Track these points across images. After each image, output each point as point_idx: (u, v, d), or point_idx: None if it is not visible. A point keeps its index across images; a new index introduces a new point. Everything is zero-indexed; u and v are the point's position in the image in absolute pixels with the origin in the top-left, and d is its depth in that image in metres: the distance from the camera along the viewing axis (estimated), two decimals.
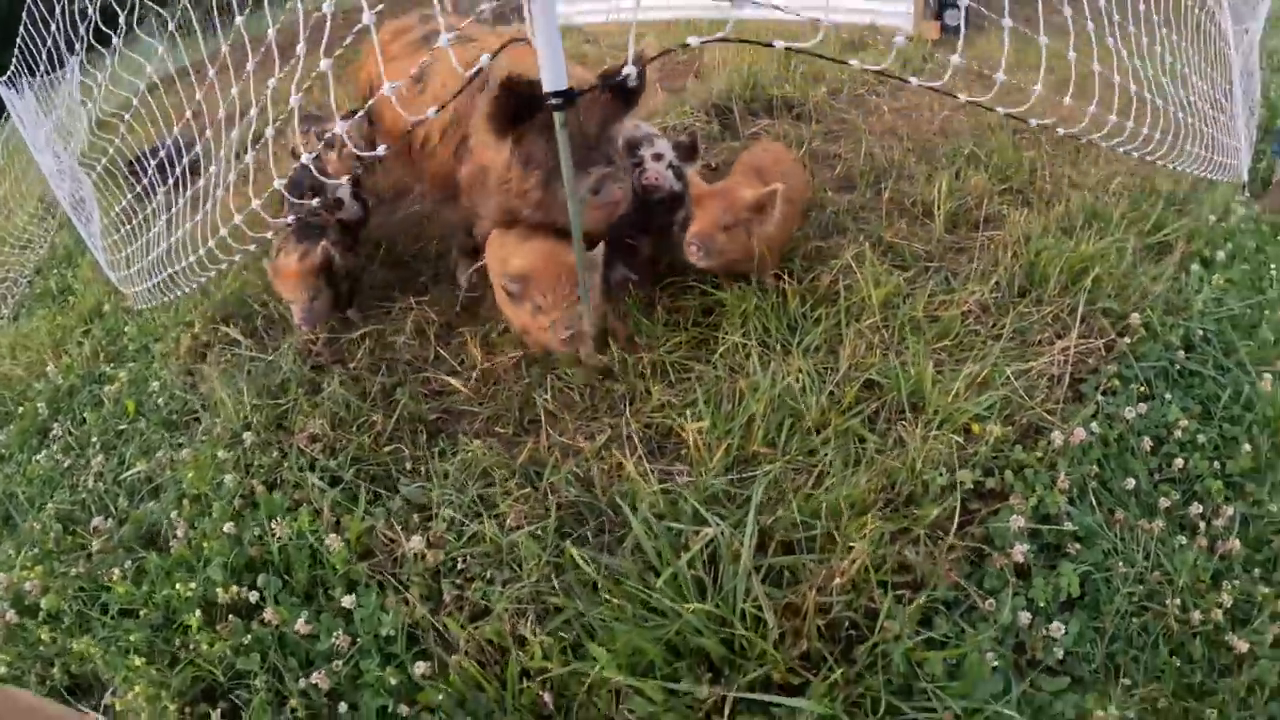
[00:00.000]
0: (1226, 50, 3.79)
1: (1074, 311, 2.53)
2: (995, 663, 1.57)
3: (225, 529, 1.93)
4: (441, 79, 2.45)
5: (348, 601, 1.74)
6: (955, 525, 1.86)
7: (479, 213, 2.58)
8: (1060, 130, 2.23)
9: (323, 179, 2.53)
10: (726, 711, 1.49)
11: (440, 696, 1.55)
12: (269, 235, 2.39)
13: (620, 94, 2.25)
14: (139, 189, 3.20)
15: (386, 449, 2.19)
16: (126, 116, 3.07)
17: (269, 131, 1.91)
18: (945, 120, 4.18)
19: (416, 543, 1.81)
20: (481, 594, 1.72)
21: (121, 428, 2.62)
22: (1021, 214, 3.10)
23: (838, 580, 1.62)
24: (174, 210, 2.71)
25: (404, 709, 1.56)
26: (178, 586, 1.84)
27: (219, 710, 1.65)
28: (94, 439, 2.62)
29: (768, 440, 2.07)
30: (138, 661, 1.70)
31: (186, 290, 2.70)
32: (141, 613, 1.86)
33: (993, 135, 3.83)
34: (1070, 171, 3.57)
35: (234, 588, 1.80)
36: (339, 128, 1.74)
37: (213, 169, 2.39)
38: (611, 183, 2.29)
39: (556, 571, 1.76)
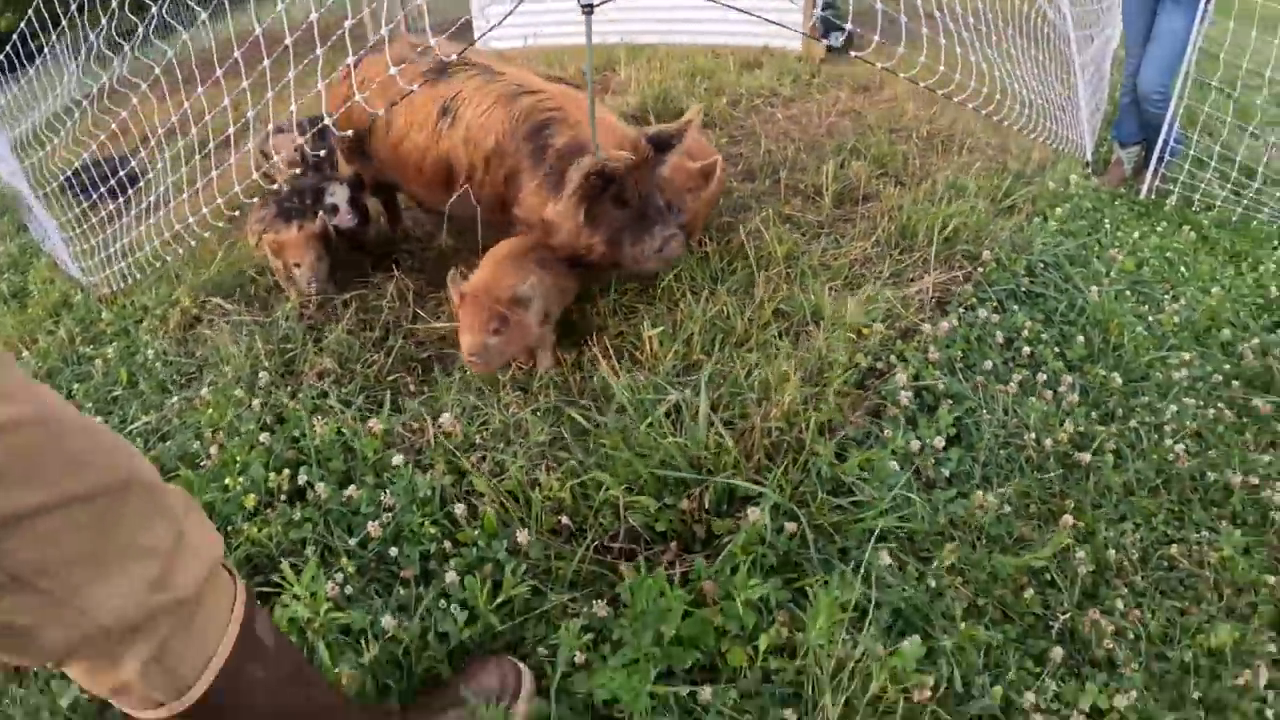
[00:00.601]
0: (1067, 50, 4.60)
1: (938, 255, 3.14)
2: (897, 466, 2.08)
3: (261, 439, 2.24)
4: (476, 113, 2.63)
5: (384, 478, 2.11)
6: (857, 390, 2.39)
7: (546, 243, 2.63)
8: (957, 100, 2.86)
9: (323, 184, 2.91)
10: (703, 505, 1.95)
11: (476, 533, 1.94)
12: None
13: (663, 148, 2.53)
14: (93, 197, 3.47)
15: (390, 378, 2.57)
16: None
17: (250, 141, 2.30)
18: (831, 124, 4.84)
19: (445, 420, 2.20)
20: (498, 459, 2.13)
21: (116, 394, 2.79)
22: (895, 191, 3.73)
23: (775, 413, 2.12)
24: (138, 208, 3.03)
25: (447, 546, 1.94)
26: (221, 490, 2.11)
27: (273, 577, 1.93)
28: (88, 406, 2.77)
29: (705, 350, 2.56)
30: None
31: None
32: None
33: (872, 134, 4.49)
34: (937, 160, 4.24)
35: (280, 474, 2.13)
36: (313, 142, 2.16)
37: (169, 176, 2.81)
38: (674, 241, 2.50)
39: (558, 437, 2.20)
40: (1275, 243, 3.91)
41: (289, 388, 2.53)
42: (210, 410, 2.44)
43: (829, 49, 6.33)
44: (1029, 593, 1.92)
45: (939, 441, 2.21)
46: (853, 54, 2.47)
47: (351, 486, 2.03)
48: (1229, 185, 4.23)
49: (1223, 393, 2.70)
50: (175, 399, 2.61)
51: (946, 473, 2.17)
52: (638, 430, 2.08)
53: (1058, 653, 1.79)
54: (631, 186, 2.46)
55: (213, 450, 2.26)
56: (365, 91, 2.52)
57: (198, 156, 2.91)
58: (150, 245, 3.11)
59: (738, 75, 5.78)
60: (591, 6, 2.09)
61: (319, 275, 2.92)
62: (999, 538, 2.04)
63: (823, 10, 6.32)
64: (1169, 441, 2.42)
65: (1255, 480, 2.32)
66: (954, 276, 3.06)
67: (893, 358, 2.55)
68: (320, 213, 3.00)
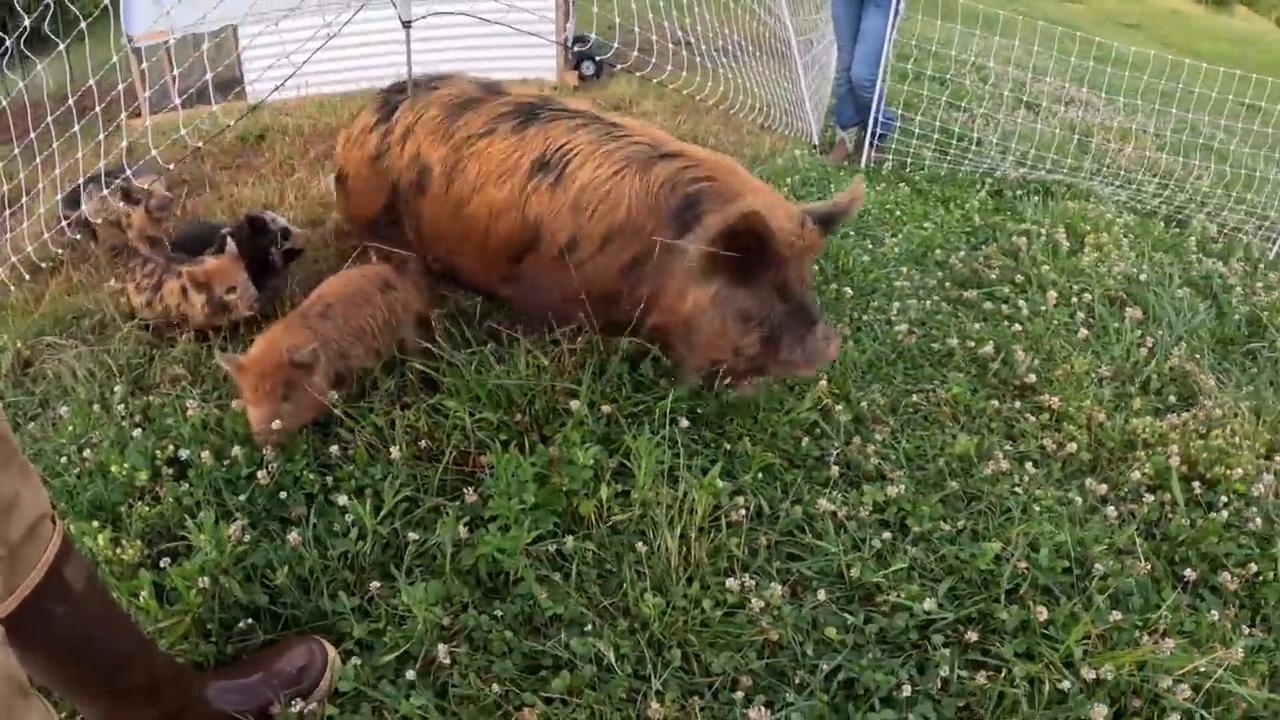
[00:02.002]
0: (789, 54, 5.38)
1: None
2: None
3: (134, 435, 2.38)
4: (597, 176, 2.21)
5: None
6: None
7: (674, 355, 2.37)
8: (699, 99, 3.38)
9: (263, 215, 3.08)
10: (534, 416, 2.33)
11: (351, 467, 2.22)
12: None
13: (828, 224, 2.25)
14: None
15: None
16: None
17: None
18: None
19: None
20: (359, 410, 2.42)
21: None
22: None
23: (579, 340, 2.56)
24: None
25: (328, 480, 2.21)
26: (104, 478, 2.24)
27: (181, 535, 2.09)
28: None
29: None
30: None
31: None
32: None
33: None
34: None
35: (164, 451, 2.31)
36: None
37: None
38: (827, 342, 2.23)
39: (408, 384, 2.53)
40: (977, 187, 4.77)
41: (146, 397, 2.69)
42: (71, 427, 2.56)
43: (581, 78, 6.91)
44: (805, 441, 2.44)
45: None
46: (618, 66, 2.94)
47: (234, 450, 2.26)
48: (934, 148, 5.11)
49: (938, 293, 3.39)
50: (30, 427, 2.70)
51: None
52: (470, 370, 2.43)
53: (835, 472, 2.31)
54: (795, 275, 2.13)
55: (86, 454, 2.40)
56: (410, 140, 2.45)
57: None
58: None
59: None
60: (410, 23, 2.46)
61: (252, 293, 2.88)
62: (772, 408, 2.54)
63: (574, 44, 6.91)
64: (898, 329, 3.05)
65: (971, 343, 2.99)
66: None
67: None
68: (229, 240, 2.96)
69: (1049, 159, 5.11)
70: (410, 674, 1.73)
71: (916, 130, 5.17)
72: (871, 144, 5.16)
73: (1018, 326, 3.18)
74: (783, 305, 2.14)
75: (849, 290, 3.27)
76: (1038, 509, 2.28)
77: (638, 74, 3.10)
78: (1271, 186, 5.00)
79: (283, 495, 2.16)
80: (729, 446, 2.36)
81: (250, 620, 1.86)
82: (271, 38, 7.20)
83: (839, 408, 2.57)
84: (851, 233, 3.86)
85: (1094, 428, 2.67)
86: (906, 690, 1.73)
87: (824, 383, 2.62)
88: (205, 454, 2.23)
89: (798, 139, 5.26)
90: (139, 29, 7.06)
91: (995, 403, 2.73)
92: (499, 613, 1.88)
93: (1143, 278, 3.68)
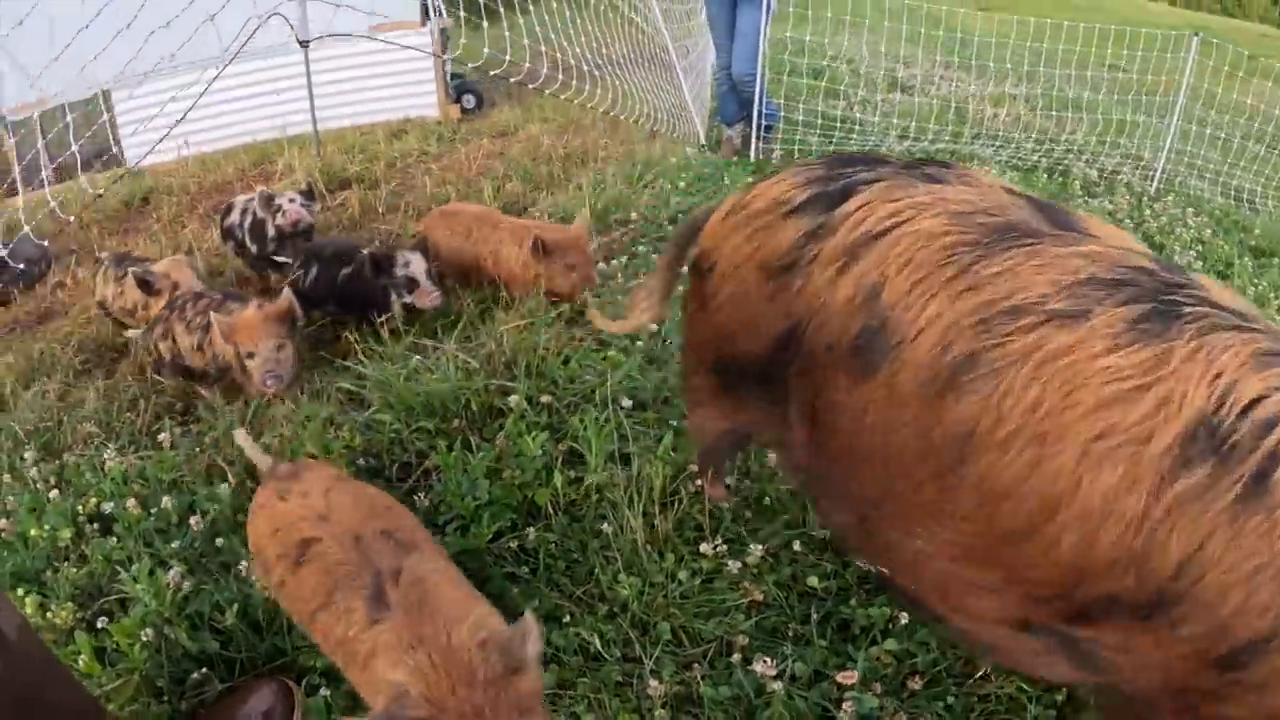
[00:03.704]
0: (668, 59, 5.38)
1: (596, 227, 3.59)
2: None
3: (50, 496, 2.15)
4: None
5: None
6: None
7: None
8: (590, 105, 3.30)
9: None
10: (471, 418, 2.20)
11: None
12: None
13: None
14: None
15: (155, 427, 2.55)
16: None
17: None
18: (480, 165, 5.17)
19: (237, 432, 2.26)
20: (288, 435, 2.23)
21: None
22: (548, 195, 4.14)
23: (506, 342, 2.44)
24: None
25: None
26: (24, 545, 2.03)
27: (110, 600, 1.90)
28: None
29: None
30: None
31: None
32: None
33: (518, 163, 4.81)
34: (577, 171, 4.69)
35: (86, 506, 2.09)
36: None
37: None
38: None
39: (337, 413, 2.35)
40: None
41: (57, 461, 2.45)
42: None
43: (464, 110, 6.78)
44: None
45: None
46: (529, 85, 2.81)
47: (162, 500, 2.05)
48: (819, 134, 5.17)
49: None
50: None
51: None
52: (399, 383, 2.28)
53: None
54: None
55: (2, 524, 2.15)
56: (865, 262, 1.26)
57: None
58: None
59: (388, 143, 5.97)
60: (307, 42, 2.29)
61: (281, 366, 2.33)
62: None
63: (452, 80, 6.79)
64: None
65: None
66: (614, 237, 3.54)
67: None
68: (287, 290, 2.49)
69: (930, 130, 5.23)
70: None
71: (800, 118, 5.22)
72: (758, 136, 5.18)
73: None
74: None
75: None
76: None
77: (530, 86, 2.99)
78: (1142, 130, 5.25)
79: (219, 541, 1.96)
80: (674, 423, 2.26)
81: (203, 670, 1.66)
82: (144, 99, 6.90)
83: None
84: None
85: None
86: (904, 619, 1.67)
87: None
88: (131, 504, 2.02)
89: (686, 141, 5.24)
90: (8, 102, 6.64)
91: None
92: None
93: None
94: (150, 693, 1.62)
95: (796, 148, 5.13)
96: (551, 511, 1.95)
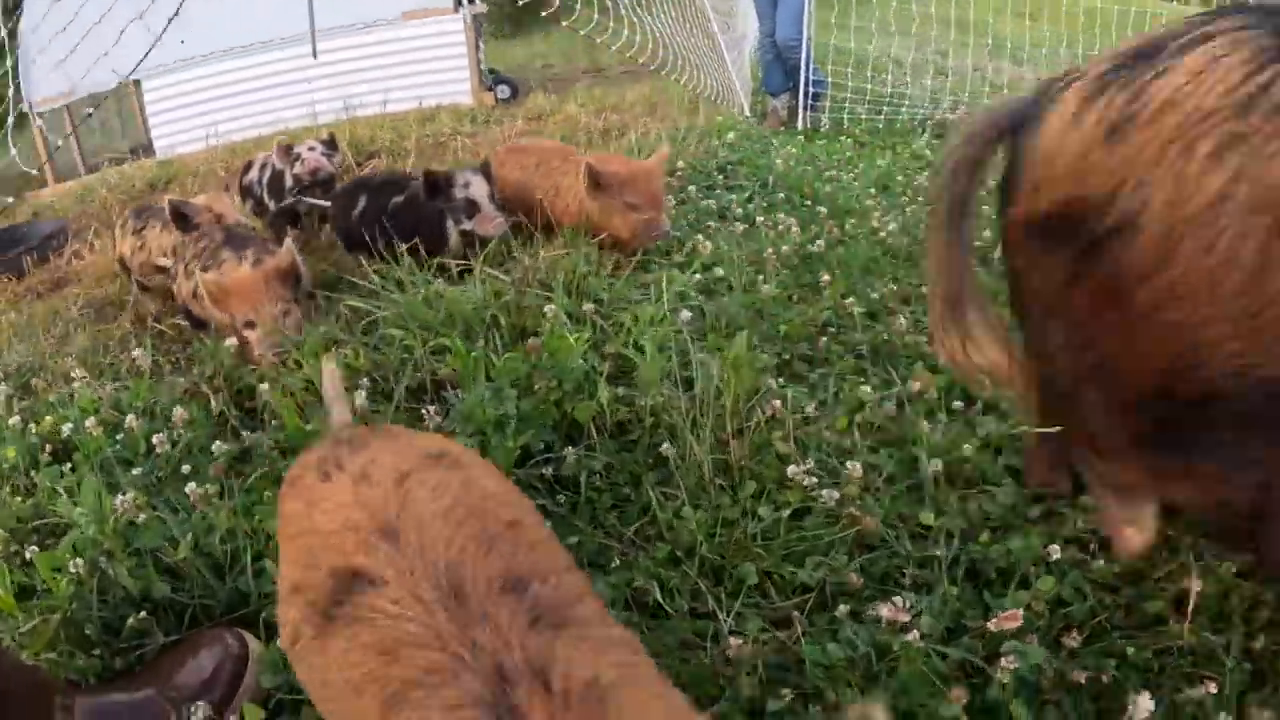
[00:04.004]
0: (711, 29, 5.04)
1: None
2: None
3: (10, 423, 1.80)
4: None
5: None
6: None
7: None
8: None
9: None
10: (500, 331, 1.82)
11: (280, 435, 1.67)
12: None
13: None
14: None
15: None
16: None
17: None
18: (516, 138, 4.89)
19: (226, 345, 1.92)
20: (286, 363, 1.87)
21: None
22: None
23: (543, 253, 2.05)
24: None
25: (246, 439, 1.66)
26: None
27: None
28: None
29: None
30: None
31: None
32: None
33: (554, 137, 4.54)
34: (614, 143, 4.35)
35: (45, 424, 1.76)
36: None
37: None
38: None
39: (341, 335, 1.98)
40: (920, 130, 4.45)
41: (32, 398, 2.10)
42: None
43: (497, 99, 6.50)
44: (824, 339, 1.97)
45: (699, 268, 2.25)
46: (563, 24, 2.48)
47: (129, 419, 1.68)
48: (867, 104, 4.79)
49: (906, 209, 3.00)
50: None
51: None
52: (415, 302, 1.91)
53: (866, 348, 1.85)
54: None
55: None
56: None
57: None
58: None
59: (420, 126, 5.72)
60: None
61: (281, 329, 1.88)
62: (780, 305, 2.09)
63: (488, 73, 6.54)
64: (882, 234, 2.65)
65: None
66: (669, 178, 3.19)
67: None
68: (289, 241, 2.06)
69: (985, 94, 4.85)
70: None
71: (848, 93, 4.85)
72: (806, 106, 4.80)
73: None
74: None
75: (823, 209, 2.87)
76: None
77: (564, 24, 2.64)
78: None
79: (186, 468, 1.58)
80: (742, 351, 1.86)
81: (142, 615, 1.27)
82: (175, 89, 6.72)
83: (849, 300, 2.10)
84: (809, 167, 3.46)
85: None
86: (1055, 554, 1.24)
87: (825, 275, 2.21)
88: (91, 423, 1.65)
89: (730, 111, 4.87)
90: (39, 94, 6.49)
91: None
92: None
93: None
94: (74, 640, 1.24)
95: (846, 116, 4.73)
96: (594, 433, 1.55)
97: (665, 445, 1.50)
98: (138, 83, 6.63)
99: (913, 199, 3.18)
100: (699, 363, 1.61)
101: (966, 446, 1.51)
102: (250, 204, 3.39)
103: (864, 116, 4.74)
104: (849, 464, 1.43)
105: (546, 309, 1.76)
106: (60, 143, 6.13)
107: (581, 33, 2.64)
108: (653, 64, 3.47)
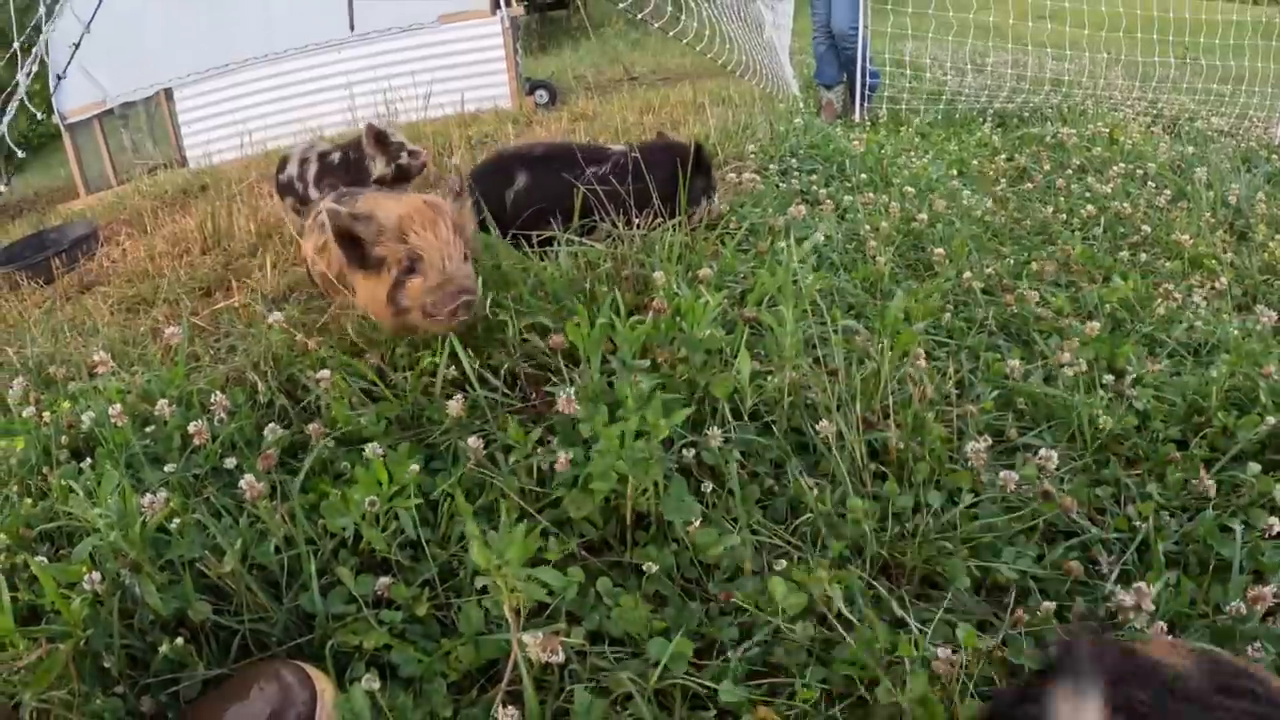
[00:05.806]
0: (764, 22, 4.79)
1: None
2: None
3: (23, 414, 1.53)
4: None
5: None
6: None
7: None
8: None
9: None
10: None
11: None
12: None
13: None
14: None
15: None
16: None
17: None
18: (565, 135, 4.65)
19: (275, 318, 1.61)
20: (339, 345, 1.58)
21: None
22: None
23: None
24: None
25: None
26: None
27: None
28: None
29: None
30: None
31: None
32: None
33: (605, 131, 4.29)
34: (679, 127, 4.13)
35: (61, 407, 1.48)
36: None
37: None
38: None
39: None
40: (981, 120, 4.18)
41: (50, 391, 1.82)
42: None
43: (536, 105, 6.28)
44: (947, 316, 1.69)
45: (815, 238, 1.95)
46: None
47: (161, 405, 1.39)
48: (927, 96, 4.52)
49: (998, 185, 2.89)
50: None
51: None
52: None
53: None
54: None
55: None
56: None
57: None
58: None
59: (463, 128, 5.49)
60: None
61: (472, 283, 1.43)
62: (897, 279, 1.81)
63: (525, 78, 6.32)
64: (977, 212, 2.51)
65: (1063, 214, 2.60)
66: (745, 159, 2.92)
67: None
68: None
69: (1045, 87, 4.56)
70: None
71: (906, 84, 4.56)
72: (863, 97, 4.51)
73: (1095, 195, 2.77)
74: None
75: (910, 189, 2.61)
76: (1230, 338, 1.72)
77: (638, 16, 2.38)
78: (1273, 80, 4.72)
79: (230, 463, 1.29)
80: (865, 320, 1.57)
81: (178, 643, 0.96)
82: (207, 97, 6.53)
83: (967, 274, 1.83)
84: (885, 151, 3.19)
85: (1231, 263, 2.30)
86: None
87: (939, 250, 1.99)
88: (116, 411, 1.36)
89: (788, 102, 4.61)
90: (71, 104, 6.32)
91: (1125, 254, 2.27)
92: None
93: (1190, 151, 3.37)
94: (90, 675, 0.93)
95: (904, 109, 4.44)
96: (730, 415, 1.24)
97: (819, 424, 1.19)
98: (169, 93, 6.44)
99: (995, 179, 2.99)
100: (844, 329, 1.30)
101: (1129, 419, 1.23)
102: (291, 200, 3.12)
103: (923, 107, 4.45)
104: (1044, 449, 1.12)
105: (657, 274, 1.45)
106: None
107: (655, 27, 2.39)
108: (719, 58, 3.22)
